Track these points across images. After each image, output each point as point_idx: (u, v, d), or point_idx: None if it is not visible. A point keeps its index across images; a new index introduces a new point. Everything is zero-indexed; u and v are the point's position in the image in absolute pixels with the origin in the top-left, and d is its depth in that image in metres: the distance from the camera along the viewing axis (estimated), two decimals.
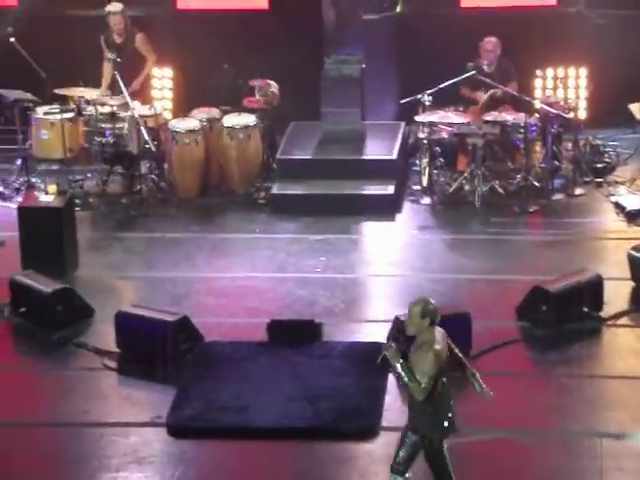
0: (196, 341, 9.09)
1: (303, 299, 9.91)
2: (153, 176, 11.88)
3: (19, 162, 12.00)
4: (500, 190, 11.56)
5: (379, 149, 11.94)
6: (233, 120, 11.89)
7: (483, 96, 11.92)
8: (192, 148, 11.77)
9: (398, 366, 6.49)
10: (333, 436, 8.00)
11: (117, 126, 11.61)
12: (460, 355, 6.89)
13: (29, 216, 10.22)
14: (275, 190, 11.67)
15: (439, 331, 6.65)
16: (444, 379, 6.61)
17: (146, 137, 11.47)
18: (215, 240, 11.08)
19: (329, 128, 11.95)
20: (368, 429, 8.07)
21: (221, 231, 11.26)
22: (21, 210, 10.34)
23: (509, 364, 8.91)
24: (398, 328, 8.89)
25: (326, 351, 9.00)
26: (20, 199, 11.07)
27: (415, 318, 6.53)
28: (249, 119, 11.90)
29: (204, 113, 12.06)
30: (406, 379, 6.49)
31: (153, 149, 11.61)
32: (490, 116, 11.64)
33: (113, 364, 8.99)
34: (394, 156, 11.80)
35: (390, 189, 11.54)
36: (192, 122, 11.92)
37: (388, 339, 8.97)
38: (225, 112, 12.09)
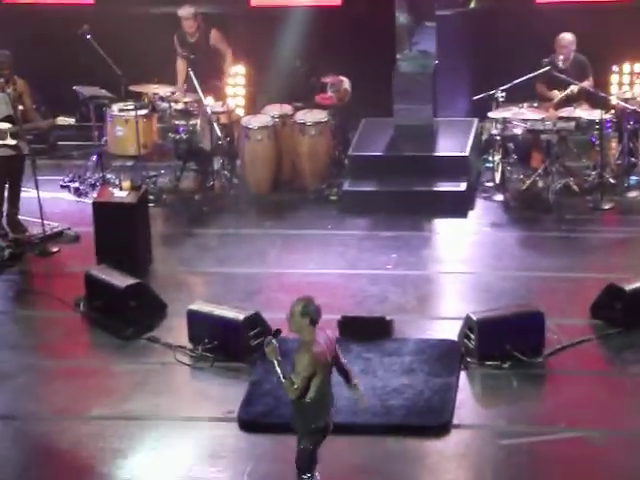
0: (267, 336, 9.10)
1: (374, 296, 9.90)
2: (226, 172, 11.94)
3: (94, 158, 12.14)
4: (574, 187, 11.43)
5: (451, 146, 11.87)
6: (305, 116, 11.91)
7: (557, 94, 11.78)
8: (264, 144, 11.81)
9: (275, 363, 6.52)
10: (404, 433, 7.98)
11: (190, 123, 11.70)
12: (344, 363, 6.85)
13: (104, 211, 10.35)
14: (346, 187, 11.66)
15: (325, 335, 6.65)
16: (319, 381, 6.56)
17: (219, 133, 11.53)
18: (287, 236, 11.10)
19: (401, 125, 11.91)
20: (439, 426, 8.03)
21: (293, 227, 11.28)
22: (96, 205, 10.47)
23: (583, 363, 8.81)
24: (470, 326, 8.85)
25: (397, 348, 8.98)
26: (95, 195, 11.18)
27: (296, 316, 6.57)
28: (321, 115, 11.91)
29: (276, 110, 12.10)
30: (280, 377, 6.51)
31: (225, 146, 11.68)
32: (565, 112, 11.51)
33: (185, 359, 9.05)
34: (467, 153, 11.72)
35: (462, 186, 11.46)
36: (264, 118, 11.96)
37: (459, 337, 8.93)
38: (297, 108, 12.11)
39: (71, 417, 8.40)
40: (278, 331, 6.64)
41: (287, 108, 12.14)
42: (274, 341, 6.60)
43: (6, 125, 10.66)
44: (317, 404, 6.67)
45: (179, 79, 12.29)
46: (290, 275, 10.31)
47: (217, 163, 11.91)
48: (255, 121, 11.92)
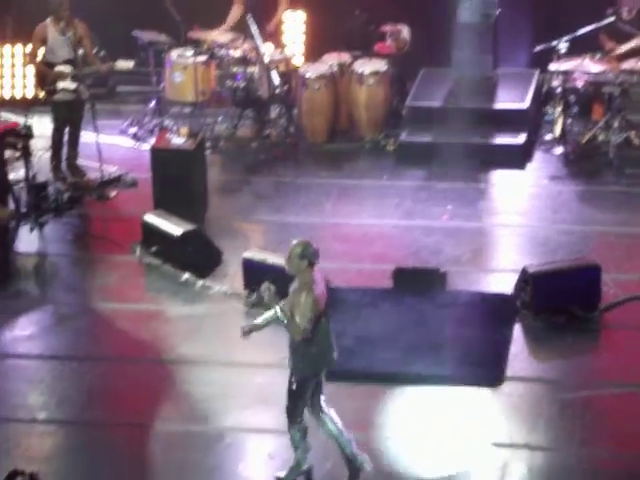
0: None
1: (429, 247, 9.85)
2: (283, 121, 11.90)
3: (153, 104, 12.14)
4: (636, 141, 11.25)
5: (511, 97, 11.73)
6: (363, 66, 11.82)
7: (620, 46, 11.56)
8: (322, 93, 11.74)
9: (277, 308, 6.70)
10: (457, 384, 7.98)
11: (248, 70, 11.66)
12: None
13: (161, 157, 10.37)
14: (404, 137, 11.57)
15: (320, 275, 6.82)
16: (323, 320, 6.75)
17: (277, 82, 11.48)
18: (342, 186, 11.05)
19: (460, 75, 11.78)
20: (493, 378, 8.01)
21: (348, 177, 11.23)
22: (154, 151, 10.49)
23: (638, 318, 8.71)
24: (525, 279, 8.78)
25: (451, 300, 8.95)
26: (153, 141, 11.19)
27: (294, 258, 6.71)
28: (379, 65, 11.81)
29: (335, 58, 12.02)
30: (285, 321, 6.67)
31: (283, 94, 11.64)
32: (628, 64, 11.30)
33: (240, 306, 9.08)
34: (526, 105, 11.57)
35: (521, 138, 11.33)
36: (322, 67, 11.89)
37: (514, 290, 8.88)
38: (356, 57, 12.02)
39: (128, 360, 8.50)
40: (270, 279, 6.81)
41: (345, 57, 12.06)
42: (272, 287, 6.69)
43: (67, 68, 10.71)
44: (322, 346, 6.80)
45: (228, 22, 12.08)
46: (345, 225, 10.29)
47: (274, 111, 11.87)
48: (313, 70, 11.86)
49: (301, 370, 6.88)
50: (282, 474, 7.11)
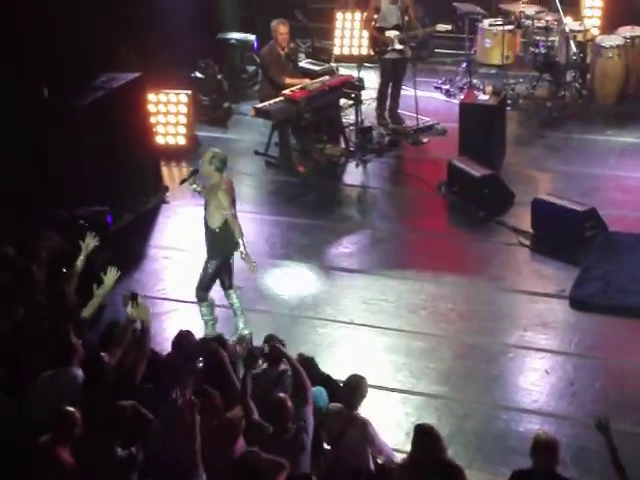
0: (601, 229, 8.74)
1: None
2: (577, 84, 11.41)
3: (464, 65, 11.97)
4: None
5: None
6: None
7: None
8: (614, 61, 11.14)
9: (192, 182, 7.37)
10: None
11: (549, 39, 11.25)
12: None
13: (468, 111, 10.20)
14: None
15: (227, 180, 7.38)
16: (227, 214, 7.26)
17: (574, 50, 10.98)
18: (626, 144, 10.48)
19: None
20: None
21: (632, 136, 10.62)
22: (462, 106, 10.34)
23: None
24: None
25: None
26: (462, 96, 11.04)
27: (205, 163, 7.29)
28: None
29: (628, 31, 11.35)
30: (195, 187, 7.39)
31: (579, 61, 11.11)
32: None
33: (527, 242, 8.87)
34: None
35: None
36: (617, 38, 11.27)
37: None
38: None
39: (424, 278, 8.45)
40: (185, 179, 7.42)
41: (638, 30, 11.34)
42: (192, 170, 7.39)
43: (395, 32, 10.71)
44: (228, 237, 7.24)
45: None
46: (626, 178, 9.77)
47: (570, 76, 11.40)
48: (608, 40, 11.27)
49: (215, 255, 7.35)
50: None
